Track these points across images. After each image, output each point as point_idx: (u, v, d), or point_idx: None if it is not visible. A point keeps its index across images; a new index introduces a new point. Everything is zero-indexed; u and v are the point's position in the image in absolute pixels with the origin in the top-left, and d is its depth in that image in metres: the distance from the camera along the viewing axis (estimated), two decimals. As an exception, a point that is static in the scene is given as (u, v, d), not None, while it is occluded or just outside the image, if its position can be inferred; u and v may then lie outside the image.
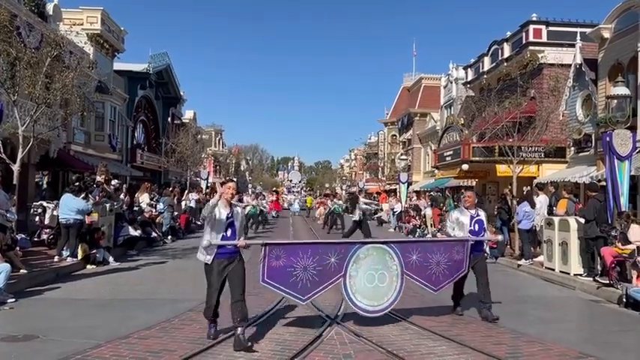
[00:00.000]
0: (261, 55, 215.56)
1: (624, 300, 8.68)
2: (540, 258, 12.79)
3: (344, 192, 35.45)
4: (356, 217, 18.86)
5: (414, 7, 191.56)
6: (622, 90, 11.38)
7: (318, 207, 32.81)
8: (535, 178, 20.63)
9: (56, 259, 11.44)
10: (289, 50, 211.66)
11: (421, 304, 8.22)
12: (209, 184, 30.77)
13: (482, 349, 5.91)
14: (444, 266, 7.04)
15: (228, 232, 5.90)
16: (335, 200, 24.63)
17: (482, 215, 7.75)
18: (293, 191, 69.21)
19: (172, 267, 12.54)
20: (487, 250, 11.34)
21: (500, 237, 8.15)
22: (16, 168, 11.65)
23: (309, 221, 32.41)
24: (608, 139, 10.55)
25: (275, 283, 6.14)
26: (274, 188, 34.32)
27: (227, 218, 5.91)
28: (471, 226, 7.53)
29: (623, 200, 10.38)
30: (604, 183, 11.70)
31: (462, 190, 18.51)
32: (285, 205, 36.20)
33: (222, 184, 6.22)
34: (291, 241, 5.78)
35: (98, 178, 13.51)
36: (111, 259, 12.40)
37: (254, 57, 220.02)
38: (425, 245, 7.19)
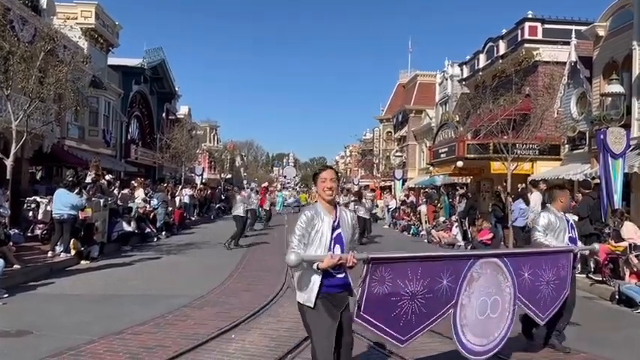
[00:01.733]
0: (257, 53, 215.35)
1: (617, 297, 8.74)
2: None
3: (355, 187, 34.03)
4: (362, 213, 17.44)
5: (411, 6, 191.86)
6: (616, 88, 11.44)
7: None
8: (529, 175, 20.67)
9: (50, 254, 11.40)
10: (286, 49, 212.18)
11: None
12: (204, 180, 30.71)
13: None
14: (552, 286, 5.43)
15: (337, 251, 3.84)
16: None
17: (571, 219, 6.46)
18: (287, 187, 69.17)
19: (166, 263, 12.51)
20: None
21: (597, 245, 6.79)
22: (9, 163, 11.60)
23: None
24: (602, 136, 10.61)
25: (374, 319, 4.00)
26: (263, 184, 33.49)
27: (332, 229, 3.86)
28: (568, 232, 6.08)
29: (617, 198, 10.46)
30: (598, 181, 11.76)
31: (538, 185, 15.25)
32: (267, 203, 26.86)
33: (314, 175, 4.10)
34: (400, 255, 4.10)
35: (88, 179, 13.43)
36: (96, 253, 12.24)
37: (250, 55, 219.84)
38: (535, 259, 5.42)
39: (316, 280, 3.75)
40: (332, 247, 3.82)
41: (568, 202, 6.53)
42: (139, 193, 17.59)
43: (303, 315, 3.86)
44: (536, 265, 5.27)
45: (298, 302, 3.88)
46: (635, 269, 9.02)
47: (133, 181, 19.91)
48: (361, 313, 3.91)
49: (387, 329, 4.14)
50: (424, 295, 4.25)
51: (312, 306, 3.75)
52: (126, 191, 17.48)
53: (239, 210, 15.79)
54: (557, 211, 6.09)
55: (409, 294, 4.14)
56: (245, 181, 59.98)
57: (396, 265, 4.09)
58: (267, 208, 25.67)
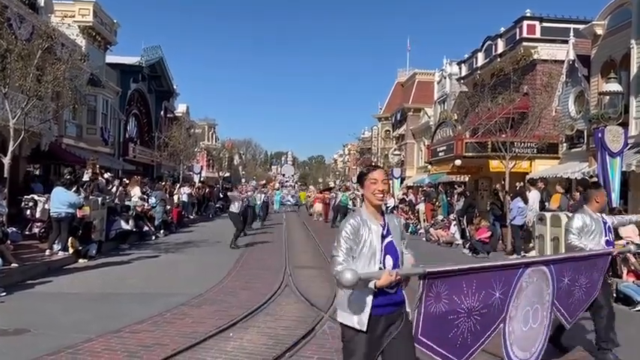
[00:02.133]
0: (256, 53, 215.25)
1: (614, 295, 8.74)
2: (532, 253, 12.87)
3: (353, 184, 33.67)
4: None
5: (411, 6, 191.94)
6: (614, 86, 11.44)
7: (314, 202, 31.99)
8: (527, 173, 20.70)
9: (47, 252, 11.38)
10: (285, 49, 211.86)
11: (413, 299, 8.24)
12: (202, 179, 30.64)
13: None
14: (583, 289, 5.18)
15: (388, 263, 3.31)
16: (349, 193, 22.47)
17: (608, 220, 5.95)
18: (286, 185, 69.15)
19: (165, 261, 12.50)
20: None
21: (632, 247, 6.60)
22: (6, 161, 11.57)
23: (303, 217, 32.39)
24: (600, 135, 10.61)
25: (432, 343, 3.53)
26: (261, 182, 33.18)
27: (382, 237, 3.33)
28: (605, 235, 5.67)
29: (615, 196, 10.46)
30: (595, 179, 11.77)
31: (536, 183, 15.09)
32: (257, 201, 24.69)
33: (361, 175, 3.49)
34: (457, 267, 3.66)
35: (85, 177, 13.41)
36: (94, 252, 12.24)
37: (249, 54, 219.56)
38: (577, 264, 5.07)
39: (368, 299, 3.21)
40: (383, 259, 3.31)
41: (605, 202, 6.05)
42: (136, 191, 17.55)
43: (350, 339, 3.28)
44: (576, 269, 4.99)
45: (343, 324, 3.31)
46: (633, 267, 9.04)
47: (124, 179, 19.74)
48: (419, 337, 3.42)
49: (445, 352, 3.65)
50: (480, 311, 3.81)
51: (364, 329, 3.20)
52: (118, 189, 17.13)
53: (233, 207, 15.91)
54: (592, 213, 5.64)
55: (466, 310, 3.68)
56: (243, 179, 60.00)
57: (452, 278, 3.61)
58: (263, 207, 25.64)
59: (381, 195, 3.37)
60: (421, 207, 21.81)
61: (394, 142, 49.55)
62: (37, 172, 22.08)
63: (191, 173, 35.30)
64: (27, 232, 13.77)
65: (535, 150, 20.77)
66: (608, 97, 11.40)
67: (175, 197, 22.25)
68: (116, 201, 15.24)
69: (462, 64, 31.66)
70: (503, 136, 17.62)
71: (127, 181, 19.05)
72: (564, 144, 21.18)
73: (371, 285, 3.12)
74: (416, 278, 3.28)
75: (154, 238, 16.81)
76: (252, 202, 22.28)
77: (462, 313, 3.64)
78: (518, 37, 23.92)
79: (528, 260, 4.93)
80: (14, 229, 12.62)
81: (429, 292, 3.40)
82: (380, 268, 3.24)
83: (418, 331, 3.41)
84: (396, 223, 3.52)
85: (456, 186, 22.99)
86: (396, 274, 3.15)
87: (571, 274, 4.91)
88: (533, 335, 4.48)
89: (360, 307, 3.22)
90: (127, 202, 16.33)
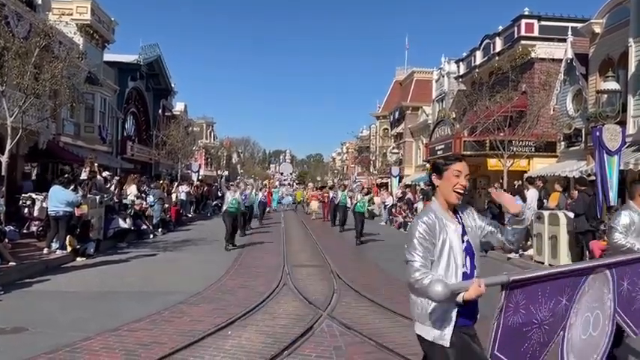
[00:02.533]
0: (256, 54, 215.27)
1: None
2: (530, 251, 12.89)
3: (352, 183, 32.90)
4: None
5: (411, 5, 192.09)
6: (612, 85, 11.46)
7: (310, 200, 32.01)
8: (525, 172, 20.74)
9: (45, 251, 11.36)
10: (283, 48, 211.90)
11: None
12: (200, 177, 30.62)
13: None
14: None
15: (467, 266, 3.02)
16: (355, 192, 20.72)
17: None
18: (284, 183, 69.14)
19: (163, 259, 12.49)
20: None
21: None
22: (4, 159, 11.55)
23: (301, 215, 32.39)
24: (598, 133, 10.63)
25: (505, 357, 3.19)
26: (264, 181, 33.33)
27: (462, 240, 3.00)
28: None
29: (612, 195, 10.49)
30: (593, 177, 11.80)
31: (535, 182, 14.70)
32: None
33: (441, 165, 3.04)
34: (540, 272, 3.24)
35: (83, 175, 13.38)
36: (92, 250, 12.23)
37: (249, 54, 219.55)
38: (636, 266, 4.60)
39: (452, 310, 2.85)
40: (465, 263, 2.95)
41: None
42: (132, 190, 17.51)
43: (434, 356, 2.94)
44: (635, 272, 4.53)
45: (425, 339, 2.94)
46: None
47: (116, 176, 19.61)
48: (495, 352, 3.06)
49: None
50: (549, 320, 3.46)
51: (447, 345, 2.88)
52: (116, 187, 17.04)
53: (225, 203, 15.47)
54: (639, 208, 5.23)
55: (538, 321, 3.33)
56: (241, 178, 59.96)
57: (530, 286, 3.25)
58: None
59: (462, 191, 2.96)
60: (419, 205, 21.82)
61: (392, 140, 49.56)
62: (27, 170, 21.98)
63: (189, 171, 35.32)
64: (25, 231, 13.74)
65: (533, 148, 20.80)
66: (606, 96, 11.43)
67: (173, 196, 22.22)
68: (114, 199, 15.22)
69: (461, 63, 31.68)
70: (502, 134, 17.65)
71: (113, 176, 18.92)
72: (562, 142, 21.21)
73: (459, 298, 2.74)
74: (498, 288, 2.85)
75: (152, 236, 16.79)
76: (250, 202, 22.08)
77: (535, 324, 3.31)
78: (516, 36, 23.96)
79: (593, 264, 4.36)
80: (12, 227, 12.59)
81: (509, 303, 3.05)
82: (464, 273, 2.90)
83: (495, 346, 3.05)
84: (473, 221, 3.09)
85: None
86: (484, 284, 2.77)
87: (630, 277, 4.46)
88: (592, 344, 4.06)
89: (443, 320, 2.87)
90: (123, 201, 16.31)
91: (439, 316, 2.87)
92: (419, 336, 2.98)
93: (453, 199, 2.96)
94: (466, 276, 2.95)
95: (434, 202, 3.06)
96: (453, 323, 2.87)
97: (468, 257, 2.97)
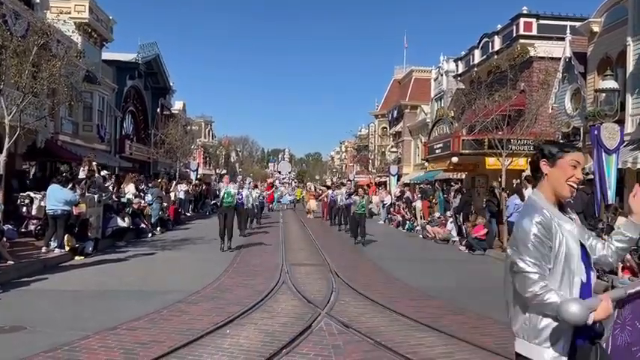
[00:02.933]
0: (256, 53, 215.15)
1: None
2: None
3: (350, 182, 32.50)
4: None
5: (410, 5, 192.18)
6: (610, 84, 11.48)
7: (308, 200, 31.90)
8: (524, 171, 20.71)
9: (44, 250, 11.35)
10: (282, 47, 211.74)
11: (410, 296, 8.25)
12: (199, 176, 30.53)
13: (471, 340, 5.95)
14: None
15: (592, 279, 2.52)
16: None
17: None
18: (283, 182, 69.09)
19: (161, 258, 12.49)
20: None
21: None
22: (2, 158, 11.53)
23: (300, 214, 32.36)
24: (596, 132, 10.65)
25: None
26: (269, 180, 33.24)
27: (581, 246, 2.46)
28: None
29: (611, 193, 10.51)
30: (592, 176, 11.81)
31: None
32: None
33: (555, 152, 2.50)
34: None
35: (81, 174, 13.34)
36: (90, 249, 12.22)
37: (249, 54, 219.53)
38: None
39: (569, 328, 2.31)
40: (586, 273, 2.44)
41: None
42: (130, 188, 17.48)
43: None
44: None
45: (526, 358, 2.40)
46: (629, 264, 9.07)
47: (112, 175, 19.49)
48: None
49: None
50: None
51: None
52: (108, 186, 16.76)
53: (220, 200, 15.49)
54: None
55: None
56: (240, 177, 59.91)
57: (636, 301, 2.73)
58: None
59: (576, 186, 2.50)
60: (418, 204, 21.84)
61: (391, 139, 49.55)
62: (25, 168, 21.89)
63: (187, 170, 35.25)
64: (23, 230, 13.72)
65: (531, 147, 20.73)
66: (604, 95, 11.45)
67: (172, 194, 22.21)
68: (113, 198, 15.20)
69: (459, 62, 31.66)
70: (500, 133, 17.61)
71: (106, 173, 18.82)
72: (561, 141, 21.22)
73: (589, 320, 2.19)
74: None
75: (150, 235, 16.77)
76: (248, 201, 21.91)
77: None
78: (514, 35, 23.94)
79: None
80: (10, 226, 12.59)
81: (617, 319, 2.67)
82: (582, 284, 2.39)
83: None
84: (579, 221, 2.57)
85: (452, 183, 23.04)
86: (611, 301, 2.30)
87: None
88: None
89: (557, 338, 2.33)
90: (121, 199, 16.29)
91: (552, 334, 2.33)
92: (519, 355, 2.42)
93: (567, 193, 2.46)
94: (583, 287, 2.41)
95: (536, 194, 2.51)
96: (568, 344, 2.34)
97: (587, 268, 2.46)
